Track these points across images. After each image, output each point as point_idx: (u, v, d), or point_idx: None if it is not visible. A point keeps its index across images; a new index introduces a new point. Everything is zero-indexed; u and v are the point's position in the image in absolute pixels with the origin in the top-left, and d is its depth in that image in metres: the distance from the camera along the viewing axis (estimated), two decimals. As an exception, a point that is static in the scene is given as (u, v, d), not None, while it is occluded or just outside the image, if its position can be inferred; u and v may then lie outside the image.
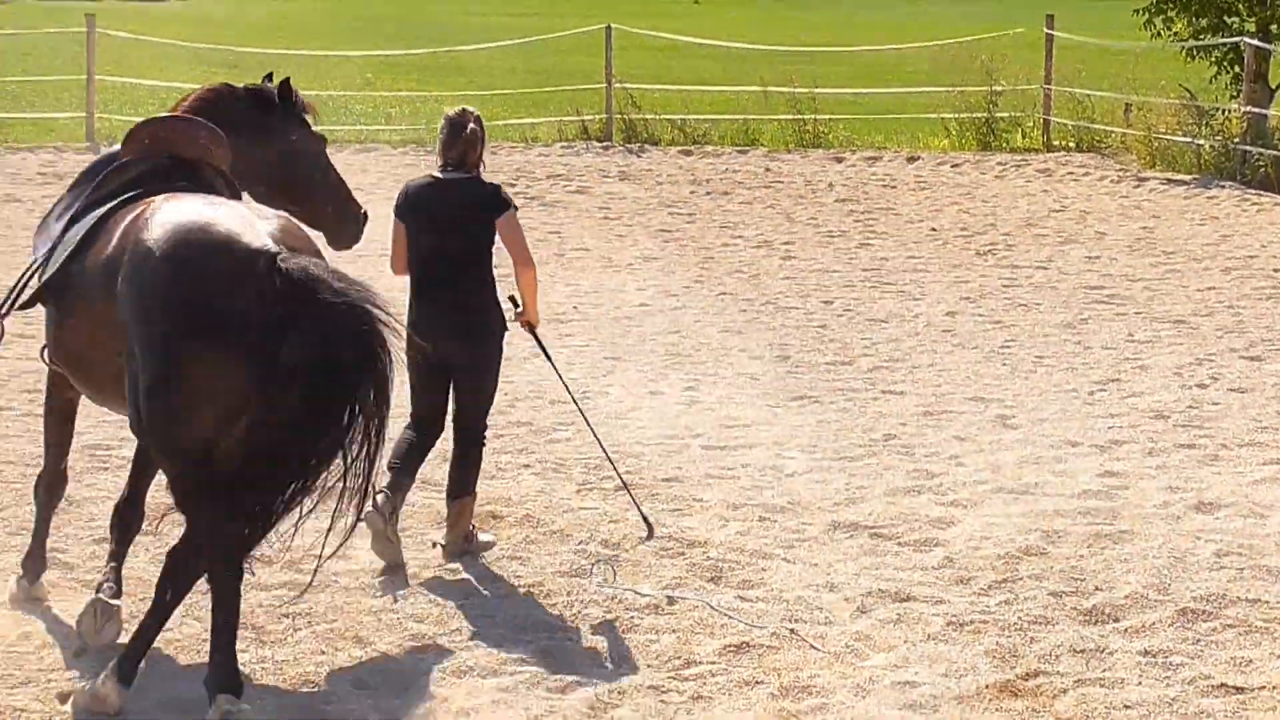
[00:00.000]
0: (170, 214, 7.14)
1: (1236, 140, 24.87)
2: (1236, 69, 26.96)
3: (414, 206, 9.13)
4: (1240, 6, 27.73)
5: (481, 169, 9.18)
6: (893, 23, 54.28)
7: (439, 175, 9.16)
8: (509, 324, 9.18)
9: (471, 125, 9.11)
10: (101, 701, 7.04)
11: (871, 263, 18.46)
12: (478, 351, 9.01)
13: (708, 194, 22.93)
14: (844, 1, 70.86)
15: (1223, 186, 23.58)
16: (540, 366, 11.71)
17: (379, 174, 23.79)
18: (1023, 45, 31.91)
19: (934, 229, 20.62)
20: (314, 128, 8.87)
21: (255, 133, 8.47)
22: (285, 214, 7.83)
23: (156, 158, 8.23)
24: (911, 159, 26.37)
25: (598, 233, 20.04)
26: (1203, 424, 11.87)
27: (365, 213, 8.98)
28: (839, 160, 26.29)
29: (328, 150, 8.93)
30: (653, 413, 12.26)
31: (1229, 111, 25.96)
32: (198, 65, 33.62)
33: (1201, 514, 9.82)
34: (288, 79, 8.78)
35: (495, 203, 9.01)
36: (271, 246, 6.90)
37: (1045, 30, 29.02)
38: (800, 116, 28.03)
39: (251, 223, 7.10)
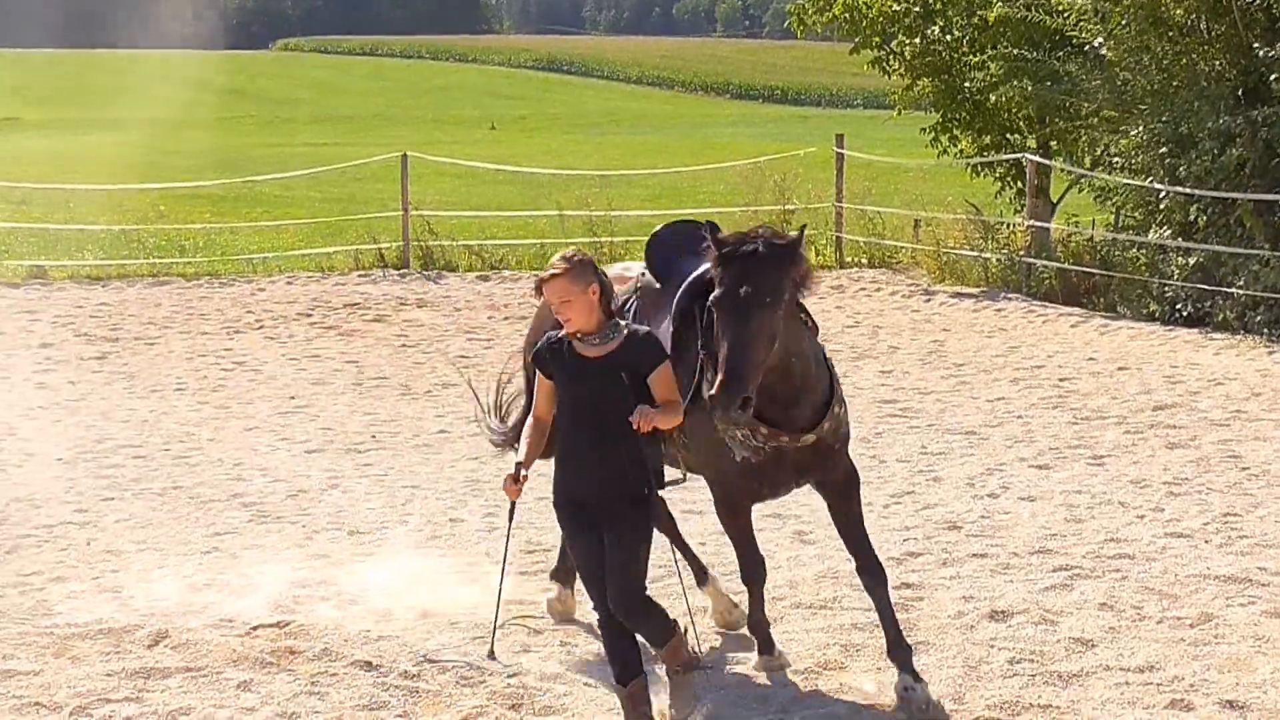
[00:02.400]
0: None
1: (1021, 253, 25.41)
2: (1019, 184, 27.62)
3: None
4: (1021, 124, 28.50)
5: None
6: (684, 145, 55.10)
7: None
8: None
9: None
10: None
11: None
12: None
13: (505, 319, 22.97)
14: (634, 125, 71.86)
15: (1009, 299, 24.10)
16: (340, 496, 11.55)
17: (172, 308, 23.61)
18: (814, 164, 32.50)
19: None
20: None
21: None
22: None
23: None
24: (708, 279, 26.60)
25: (396, 361, 19.99)
26: (994, 533, 12.05)
27: None
28: (639, 282, 26.38)
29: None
30: (452, 540, 12.22)
31: (1013, 225, 26.56)
32: None
33: (994, 622, 9.96)
34: None
35: None
36: None
37: (835, 149, 29.52)
38: (597, 239, 28.24)
39: None
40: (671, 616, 8.24)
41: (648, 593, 8.15)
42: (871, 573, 8.76)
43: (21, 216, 32.18)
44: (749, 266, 7.96)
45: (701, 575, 10.13)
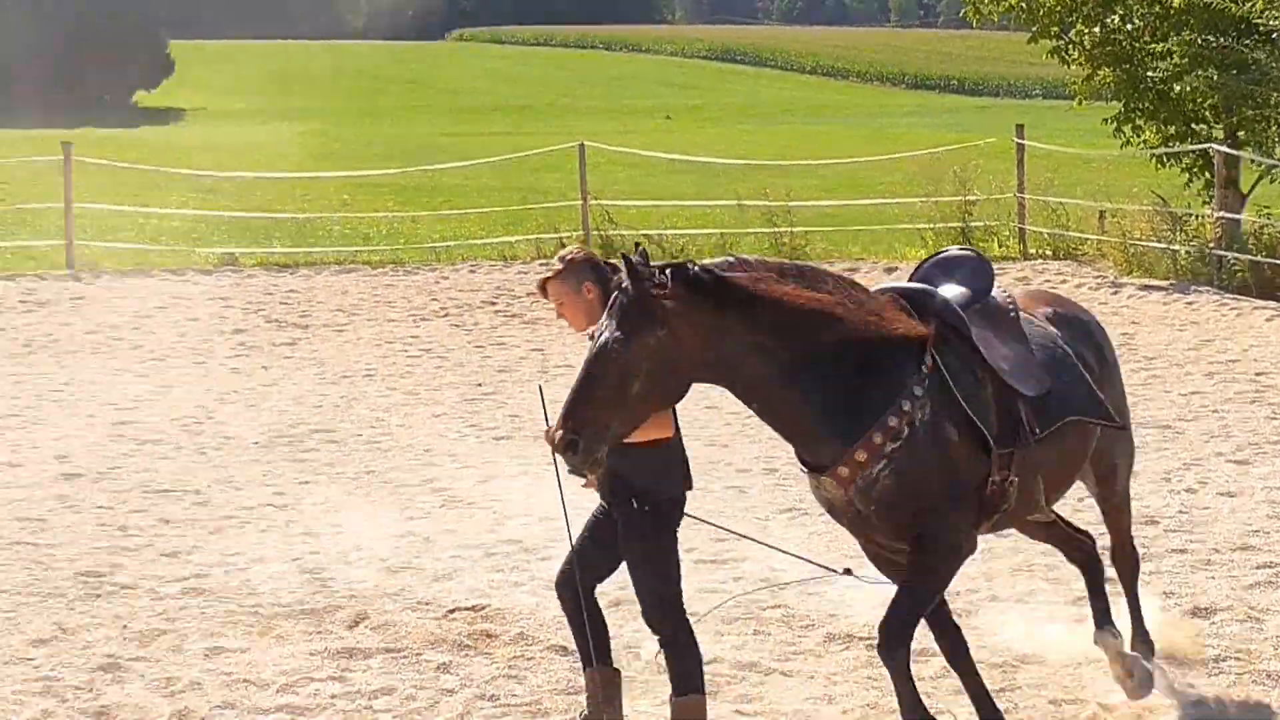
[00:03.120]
0: None
1: (1211, 245, 25.05)
2: (1207, 175, 27.22)
3: None
4: (1207, 114, 27.96)
5: None
6: (859, 136, 54.81)
7: None
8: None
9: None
10: None
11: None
12: None
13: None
14: (809, 115, 71.63)
15: (1200, 291, 23.69)
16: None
17: (359, 295, 23.95)
18: (993, 155, 32.23)
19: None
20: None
21: None
22: None
23: None
24: (889, 269, 26.49)
25: (580, 349, 20.08)
26: (1193, 529, 11.88)
27: None
28: (817, 273, 26.30)
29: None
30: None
31: (1202, 217, 26.16)
32: (173, 191, 33.75)
33: (1197, 619, 9.82)
34: None
35: None
36: None
37: (1015, 139, 29.27)
38: (777, 229, 28.20)
39: None
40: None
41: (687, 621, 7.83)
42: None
43: (211, 205, 32.71)
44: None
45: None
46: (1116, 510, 8.98)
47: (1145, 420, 15.76)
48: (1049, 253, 27.88)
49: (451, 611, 10.00)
